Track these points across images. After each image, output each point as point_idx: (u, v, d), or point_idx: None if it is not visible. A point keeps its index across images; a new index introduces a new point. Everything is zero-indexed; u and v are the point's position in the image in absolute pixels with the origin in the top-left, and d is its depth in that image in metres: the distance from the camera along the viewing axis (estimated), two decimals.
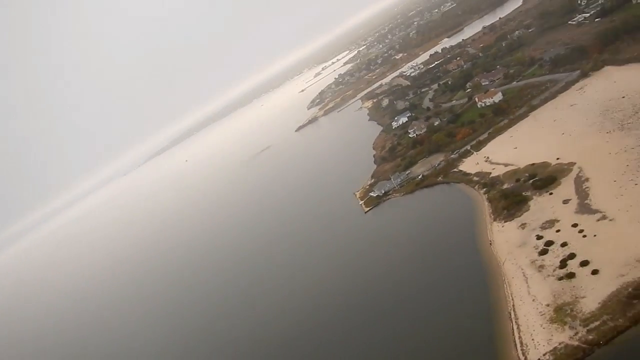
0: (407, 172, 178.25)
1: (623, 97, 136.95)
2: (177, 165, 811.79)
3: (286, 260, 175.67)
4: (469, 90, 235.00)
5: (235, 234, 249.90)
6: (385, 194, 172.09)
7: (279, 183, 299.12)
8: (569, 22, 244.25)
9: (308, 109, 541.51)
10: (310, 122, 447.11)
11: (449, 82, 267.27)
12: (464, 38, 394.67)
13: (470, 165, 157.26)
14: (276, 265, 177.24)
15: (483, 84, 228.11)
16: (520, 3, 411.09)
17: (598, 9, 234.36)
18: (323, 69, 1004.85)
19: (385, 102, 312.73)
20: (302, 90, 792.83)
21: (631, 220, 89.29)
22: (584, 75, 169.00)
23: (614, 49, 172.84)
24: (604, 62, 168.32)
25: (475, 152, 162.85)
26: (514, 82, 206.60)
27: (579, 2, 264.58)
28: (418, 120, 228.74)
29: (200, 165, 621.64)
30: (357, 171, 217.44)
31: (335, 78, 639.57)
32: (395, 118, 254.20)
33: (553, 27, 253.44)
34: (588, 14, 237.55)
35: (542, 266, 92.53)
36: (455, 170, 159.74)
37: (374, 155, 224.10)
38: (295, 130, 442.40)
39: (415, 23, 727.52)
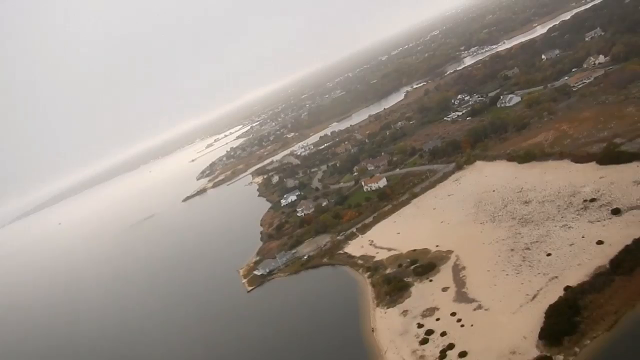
0: (293, 252, 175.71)
1: (493, 190, 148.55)
2: (49, 228, 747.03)
3: (156, 342, 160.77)
4: (355, 173, 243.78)
5: (97, 313, 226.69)
6: (270, 273, 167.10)
7: (157, 254, 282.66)
8: (445, 119, 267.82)
9: (197, 179, 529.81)
10: (199, 193, 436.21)
11: (337, 165, 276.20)
12: (352, 124, 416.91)
13: (355, 247, 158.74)
14: (144, 346, 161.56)
15: (369, 168, 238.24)
16: (402, 97, 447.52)
17: (469, 109, 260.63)
18: (215, 140, 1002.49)
19: (276, 179, 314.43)
20: (193, 160, 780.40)
21: (504, 310, 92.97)
22: (459, 167, 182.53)
23: (483, 145, 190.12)
24: (475, 157, 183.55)
25: (360, 235, 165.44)
26: (397, 169, 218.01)
27: (453, 101, 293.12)
28: (307, 199, 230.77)
29: (75, 230, 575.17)
30: (243, 247, 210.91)
31: (227, 151, 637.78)
32: (285, 196, 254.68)
33: (431, 122, 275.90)
34: (460, 113, 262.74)
35: (422, 356, 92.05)
36: (340, 252, 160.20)
37: (261, 232, 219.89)
38: (183, 201, 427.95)
39: (307, 105, 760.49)
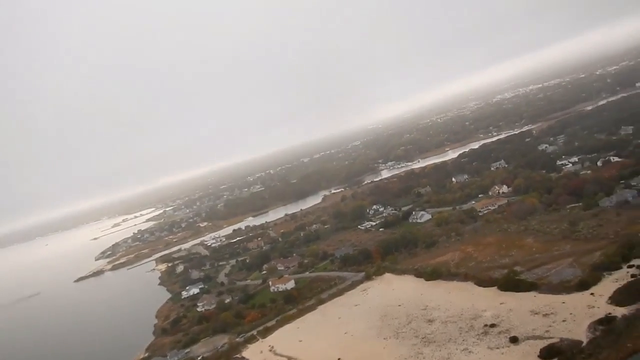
0: (186, 351, 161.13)
1: (399, 305, 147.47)
2: None
3: None
4: (264, 272, 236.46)
5: None
6: None
7: (35, 340, 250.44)
8: (359, 227, 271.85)
9: (96, 259, 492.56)
10: (95, 274, 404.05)
11: (247, 261, 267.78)
12: (268, 220, 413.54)
13: (254, 352, 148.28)
14: None
15: (279, 268, 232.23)
16: (319, 200, 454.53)
17: (382, 220, 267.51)
18: (124, 220, 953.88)
19: (180, 268, 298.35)
20: (96, 239, 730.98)
21: None
22: (368, 277, 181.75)
23: (393, 258, 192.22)
24: (385, 269, 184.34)
25: (261, 339, 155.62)
26: (307, 272, 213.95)
27: (368, 211, 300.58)
28: (210, 294, 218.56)
29: None
30: (131, 341, 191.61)
31: (134, 233, 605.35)
32: (187, 287, 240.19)
33: (345, 228, 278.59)
34: (374, 223, 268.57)
35: None
36: (238, 356, 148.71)
37: (154, 325, 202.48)
38: (75, 281, 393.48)
39: (225, 196, 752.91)
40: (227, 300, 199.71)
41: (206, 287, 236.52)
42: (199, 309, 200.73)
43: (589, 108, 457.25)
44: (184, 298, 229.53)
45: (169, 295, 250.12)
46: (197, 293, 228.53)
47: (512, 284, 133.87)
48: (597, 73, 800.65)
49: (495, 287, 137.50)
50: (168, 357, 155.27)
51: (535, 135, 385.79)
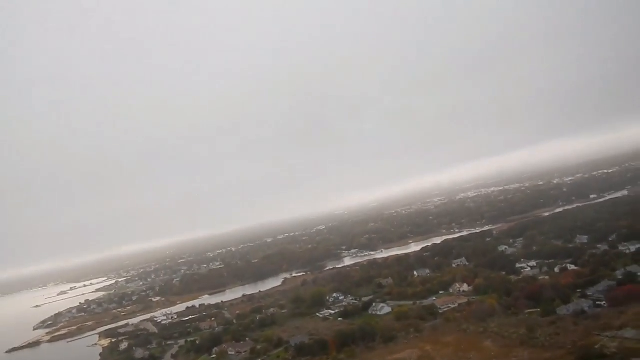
0: None
1: None
2: None
3: None
4: (214, 355, 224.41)
5: None
6: None
7: None
8: (317, 314, 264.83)
9: (34, 329, 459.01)
10: (30, 345, 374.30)
11: (197, 342, 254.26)
12: (224, 300, 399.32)
13: None
14: None
15: (230, 353, 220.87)
16: (279, 283, 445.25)
17: (342, 309, 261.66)
18: (72, 289, 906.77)
19: (125, 345, 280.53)
20: (38, 306, 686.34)
21: None
22: None
23: (350, 351, 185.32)
24: None
25: None
26: (259, 359, 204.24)
27: (328, 298, 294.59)
28: None
29: None
30: None
31: (80, 303, 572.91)
32: None
33: (303, 315, 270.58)
34: (333, 312, 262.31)
35: None
36: None
37: None
38: (7, 352, 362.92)
39: (182, 271, 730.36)
40: None
41: None
42: None
43: (547, 214, 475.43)
44: None
45: None
46: None
47: None
48: (555, 182, 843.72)
49: None
50: None
51: (495, 236, 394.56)
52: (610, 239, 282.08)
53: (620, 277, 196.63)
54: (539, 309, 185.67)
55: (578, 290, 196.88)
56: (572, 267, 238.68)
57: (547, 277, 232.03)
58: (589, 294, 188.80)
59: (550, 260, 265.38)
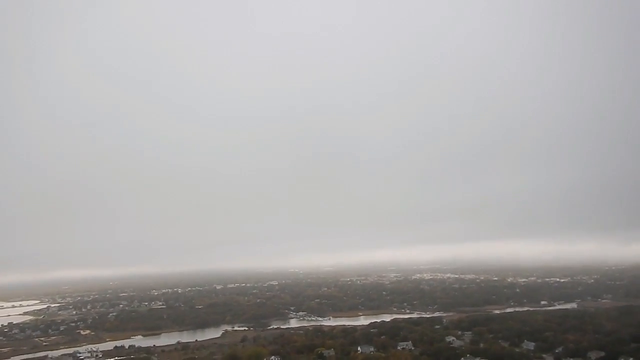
0: None
1: None
2: None
3: None
4: None
5: None
6: None
7: None
8: None
9: None
10: None
11: None
12: (157, 344, 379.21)
13: None
14: None
15: None
16: (219, 335, 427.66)
17: None
18: None
19: None
20: None
21: None
22: None
23: None
24: None
25: None
26: None
27: None
28: None
29: None
30: None
31: (2, 325, 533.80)
32: None
33: None
34: None
35: None
36: None
37: None
38: None
39: (121, 306, 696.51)
40: None
41: None
42: None
43: (497, 312, 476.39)
44: None
45: None
46: None
47: None
48: (509, 280, 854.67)
49: None
50: None
51: (444, 325, 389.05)
52: (557, 351, 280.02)
53: None
54: None
55: None
56: None
57: None
58: None
59: None
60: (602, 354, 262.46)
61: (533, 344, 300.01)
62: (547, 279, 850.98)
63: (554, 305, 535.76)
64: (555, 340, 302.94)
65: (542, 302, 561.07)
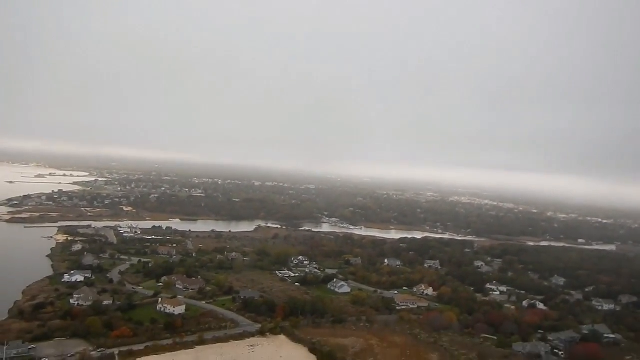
0: (31, 346, 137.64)
1: None
2: None
3: None
4: (161, 284, 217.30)
5: None
6: None
7: None
8: (277, 272, 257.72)
9: None
10: None
11: (150, 265, 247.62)
12: (192, 229, 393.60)
13: None
14: None
15: (177, 286, 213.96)
16: (252, 229, 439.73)
17: (302, 275, 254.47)
18: (51, 174, 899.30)
19: (78, 247, 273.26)
20: (11, 183, 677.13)
21: None
22: (262, 333, 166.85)
23: (295, 321, 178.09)
24: (282, 330, 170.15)
25: None
26: (204, 302, 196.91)
27: (292, 259, 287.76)
28: (92, 287, 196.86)
29: None
30: None
31: (53, 191, 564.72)
32: (72, 272, 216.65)
33: (263, 269, 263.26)
34: (293, 275, 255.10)
35: None
36: None
37: (15, 302, 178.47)
38: None
39: (163, 189, 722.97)
40: (106, 302, 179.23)
41: (93, 278, 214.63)
42: (71, 301, 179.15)
43: (531, 244, 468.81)
44: (64, 282, 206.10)
45: (50, 273, 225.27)
46: (80, 281, 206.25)
47: None
48: (548, 214, 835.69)
49: None
50: (5, 348, 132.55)
51: (475, 250, 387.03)
52: (587, 290, 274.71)
53: (585, 332, 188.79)
54: (495, 337, 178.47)
55: (539, 332, 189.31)
56: (542, 306, 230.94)
57: (513, 308, 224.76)
58: (549, 338, 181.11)
59: (522, 292, 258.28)
60: (635, 299, 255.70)
61: (563, 280, 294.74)
62: (589, 218, 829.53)
63: (592, 245, 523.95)
64: (587, 279, 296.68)
65: (580, 240, 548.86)
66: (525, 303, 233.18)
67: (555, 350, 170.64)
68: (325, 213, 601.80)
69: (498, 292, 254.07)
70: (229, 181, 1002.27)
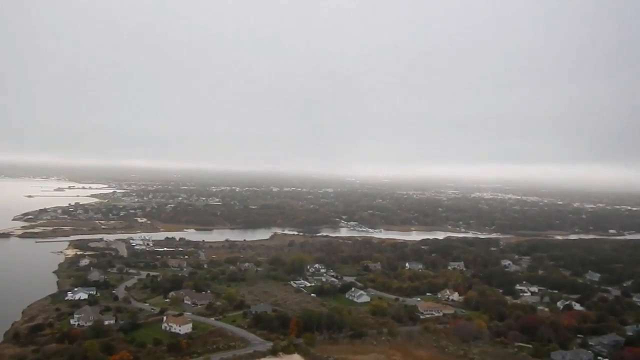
0: None
1: None
2: None
3: None
4: (168, 300, 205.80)
5: None
6: None
7: None
8: (291, 283, 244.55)
9: (13, 219, 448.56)
10: (1, 236, 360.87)
11: (158, 279, 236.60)
12: (206, 240, 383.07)
13: None
14: None
15: (185, 302, 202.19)
16: (267, 237, 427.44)
17: (319, 284, 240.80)
18: (70, 187, 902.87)
19: (85, 262, 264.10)
20: (30, 197, 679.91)
21: None
22: (274, 352, 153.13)
23: (310, 337, 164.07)
24: (296, 348, 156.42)
25: None
26: (212, 319, 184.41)
27: (308, 268, 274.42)
28: (95, 305, 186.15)
29: None
30: None
31: (69, 204, 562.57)
32: (75, 289, 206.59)
33: (276, 279, 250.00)
34: (309, 285, 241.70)
35: None
36: None
37: (12, 324, 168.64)
38: None
39: (180, 199, 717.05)
40: (107, 322, 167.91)
41: (97, 295, 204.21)
42: (72, 322, 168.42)
43: (560, 238, 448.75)
44: (66, 300, 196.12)
45: (54, 290, 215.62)
46: (83, 299, 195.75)
47: None
48: (575, 205, 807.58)
49: None
50: None
51: (501, 247, 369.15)
52: (625, 285, 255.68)
53: (630, 333, 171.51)
54: (530, 346, 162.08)
55: (579, 336, 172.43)
56: (578, 306, 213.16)
57: (547, 310, 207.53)
58: (591, 343, 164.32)
59: (555, 292, 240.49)
60: None
61: (598, 275, 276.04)
62: (618, 207, 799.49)
63: (624, 235, 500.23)
64: (623, 273, 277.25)
65: (611, 231, 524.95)
66: (559, 304, 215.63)
67: (598, 358, 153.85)
68: (344, 217, 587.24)
69: (529, 293, 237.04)
70: (247, 188, 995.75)
